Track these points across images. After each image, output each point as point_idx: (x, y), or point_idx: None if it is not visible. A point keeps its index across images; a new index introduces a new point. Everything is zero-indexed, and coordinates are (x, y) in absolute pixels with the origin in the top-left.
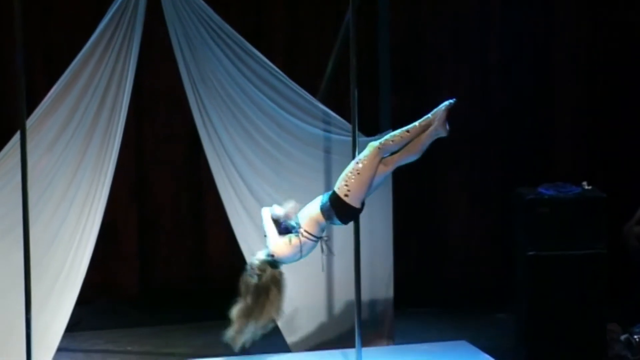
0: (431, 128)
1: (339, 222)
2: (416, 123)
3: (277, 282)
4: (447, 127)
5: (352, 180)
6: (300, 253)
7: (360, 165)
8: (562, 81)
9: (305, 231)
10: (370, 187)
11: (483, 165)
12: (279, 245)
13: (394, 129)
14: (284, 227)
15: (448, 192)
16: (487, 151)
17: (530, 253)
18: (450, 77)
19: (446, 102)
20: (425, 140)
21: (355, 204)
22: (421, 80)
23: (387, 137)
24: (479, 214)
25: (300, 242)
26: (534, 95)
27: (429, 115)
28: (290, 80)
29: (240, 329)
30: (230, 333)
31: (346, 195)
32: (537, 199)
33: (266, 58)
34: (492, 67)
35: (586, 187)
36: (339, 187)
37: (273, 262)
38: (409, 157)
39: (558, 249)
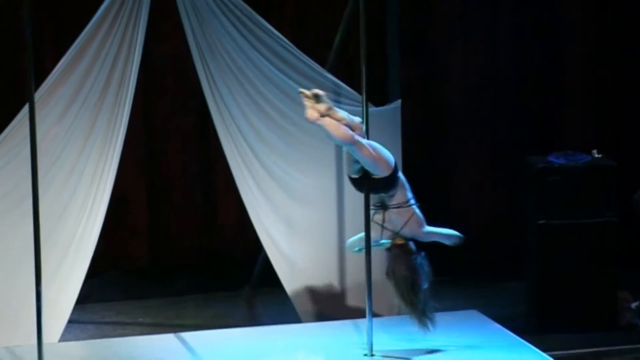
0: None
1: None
2: None
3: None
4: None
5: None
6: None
7: None
8: (572, 49)
9: None
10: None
11: (493, 134)
12: None
13: (403, 98)
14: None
15: (458, 162)
16: (496, 120)
17: (541, 222)
18: (459, 46)
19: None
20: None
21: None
22: (430, 49)
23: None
24: (489, 183)
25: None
26: (543, 64)
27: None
28: (299, 51)
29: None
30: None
31: None
32: (547, 168)
33: (275, 29)
34: (502, 35)
35: (596, 156)
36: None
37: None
38: None
39: (568, 217)
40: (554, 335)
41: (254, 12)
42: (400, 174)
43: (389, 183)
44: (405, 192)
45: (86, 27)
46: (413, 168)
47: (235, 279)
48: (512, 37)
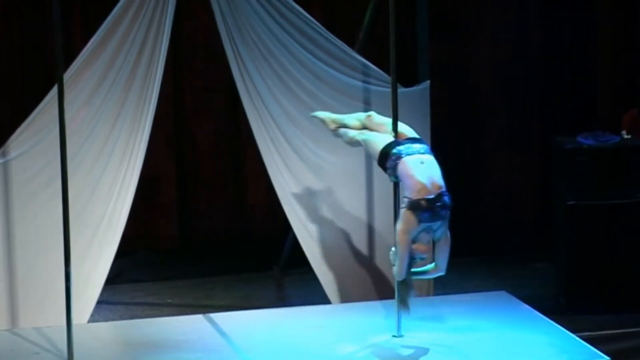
0: None
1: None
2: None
3: None
4: None
5: None
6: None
7: None
8: (602, 29)
9: None
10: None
11: (522, 114)
12: None
13: (432, 78)
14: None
15: (487, 142)
16: (526, 99)
17: (570, 202)
18: (488, 25)
19: None
20: None
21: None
22: (459, 29)
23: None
24: (519, 163)
25: None
26: (573, 44)
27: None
28: (328, 32)
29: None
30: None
31: None
32: (576, 148)
33: (303, 9)
34: (531, 15)
35: (625, 136)
36: None
37: None
38: None
39: (598, 198)
40: (583, 316)
41: None
42: (400, 166)
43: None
44: (403, 189)
45: (115, 7)
46: (442, 149)
47: (264, 260)
48: (541, 16)
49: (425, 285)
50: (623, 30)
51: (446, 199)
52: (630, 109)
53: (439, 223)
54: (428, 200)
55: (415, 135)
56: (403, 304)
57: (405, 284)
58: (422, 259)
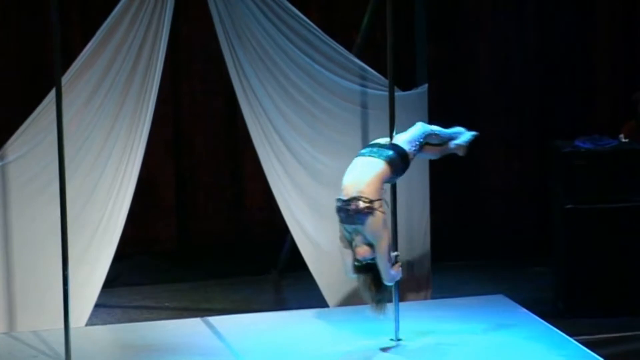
0: (452, 148)
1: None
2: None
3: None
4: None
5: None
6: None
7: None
8: (602, 29)
9: (378, 200)
10: None
11: (521, 115)
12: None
13: (430, 81)
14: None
15: (485, 145)
16: (525, 100)
17: (568, 206)
18: (487, 28)
19: (470, 135)
20: (445, 151)
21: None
22: (458, 32)
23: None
24: (517, 167)
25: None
26: (572, 46)
27: (452, 133)
28: (326, 35)
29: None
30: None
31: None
32: (574, 152)
33: (301, 12)
34: (531, 14)
35: (623, 140)
36: (408, 147)
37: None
38: (431, 155)
39: (595, 202)
40: (581, 319)
41: None
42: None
43: None
44: None
45: (113, 10)
46: None
47: (262, 263)
48: (540, 19)
49: (423, 289)
50: (623, 30)
51: (360, 203)
52: (628, 121)
53: (361, 227)
54: (341, 201)
55: (400, 144)
56: (375, 304)
57: (364, 284)
58: (367, 260)
